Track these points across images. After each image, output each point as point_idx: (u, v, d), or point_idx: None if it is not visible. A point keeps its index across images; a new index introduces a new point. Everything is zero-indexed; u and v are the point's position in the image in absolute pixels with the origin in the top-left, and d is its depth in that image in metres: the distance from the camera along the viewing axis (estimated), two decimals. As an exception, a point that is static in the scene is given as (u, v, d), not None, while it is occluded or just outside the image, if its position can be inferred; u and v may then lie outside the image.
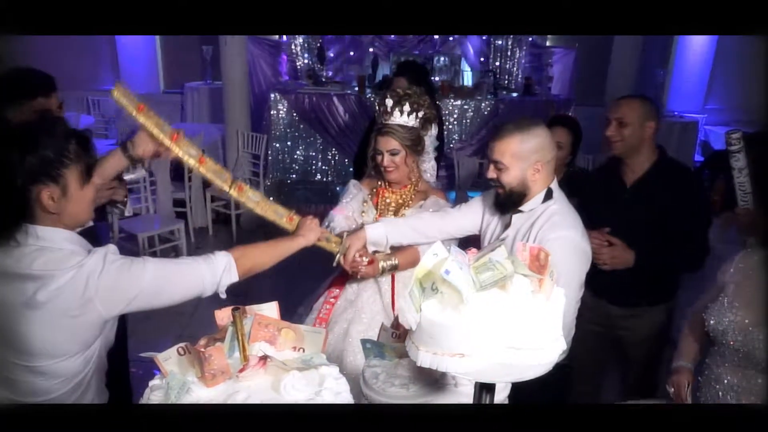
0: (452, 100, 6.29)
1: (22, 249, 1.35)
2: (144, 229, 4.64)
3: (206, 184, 5.68)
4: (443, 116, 5.54)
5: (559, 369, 1.08)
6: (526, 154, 1.81)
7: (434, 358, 1.05)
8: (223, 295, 1.57)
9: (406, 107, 2.11)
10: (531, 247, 1.12)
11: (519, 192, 1.86)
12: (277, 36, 7.10)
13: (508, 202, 1.90)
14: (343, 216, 2.22)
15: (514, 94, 6.72)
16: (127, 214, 2.35)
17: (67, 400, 1.43)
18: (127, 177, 2.41)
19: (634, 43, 6.01)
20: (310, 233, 1.90)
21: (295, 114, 6.02)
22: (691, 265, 2.31)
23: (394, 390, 1.37)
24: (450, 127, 6.20)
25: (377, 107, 2.20)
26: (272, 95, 5.96)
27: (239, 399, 1.14)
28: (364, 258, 2.04)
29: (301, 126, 6.05)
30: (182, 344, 1.17)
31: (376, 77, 6.61)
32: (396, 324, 1.64)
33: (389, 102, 2.12)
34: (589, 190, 2.56)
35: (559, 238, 1.78)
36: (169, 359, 1.17)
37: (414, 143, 2.15)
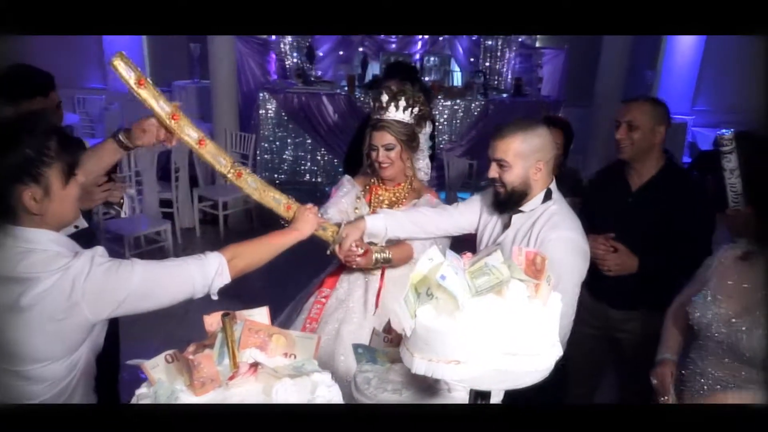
0: (442, 101, 6.29)
1: (6, 251, 1.31)
2: (130, 229, 4.58)
3: (194, 183, 5.64)
4: (434, 116, 5.53)
5: (555, 370, 1.07)
6: (528, 153, 1.83)
7: (429, 365, 1.03)
8: (215, 297, 1.54)
9: (402, 103, 2.11)
10: (527, 252, 1.10)
11: (520, 191, 1.88)
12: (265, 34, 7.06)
13: (508, 202, 1.91)
14: (337, 210, 2.21)
15: (504, 95, 6.73)
16: (123, 215, 2.31)
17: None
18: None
19: (623, 45, 6.04)
20: (306, 225, 1.84)
21: (284, 113, 5.98)
22: (694, 270, 2.29)
23: (386, 395, 1.34)
24: (440, 127, 6.20)
25: (372, 103, 2.20)
26: (261, 94, 5.92)
27: (229, 407, 1.11)
28: (359, 248, 2.02)
29: (290, 126, 6.02)
30: (170, 351, 1.14)
31: (365, 77, 6.59)
32: (388, 328, 1.62)
33: (384, 97, 2.11)
34: (593, 192, 2.55)
35: (561, 239, 1.81)
36: (157, 367, 1.14)
37: (409, 138, 2.15)
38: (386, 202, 2.24)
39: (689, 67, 7.31)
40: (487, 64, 7.07)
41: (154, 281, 1.42)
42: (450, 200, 4.90)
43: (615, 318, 2.42)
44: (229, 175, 1.83)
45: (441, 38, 7.22)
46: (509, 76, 7.07)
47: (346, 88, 6.22)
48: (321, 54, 6.89)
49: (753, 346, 1.65)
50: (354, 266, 2.09)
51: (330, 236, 2.00)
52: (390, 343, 1.54)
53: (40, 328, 1.30)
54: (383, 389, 1.36)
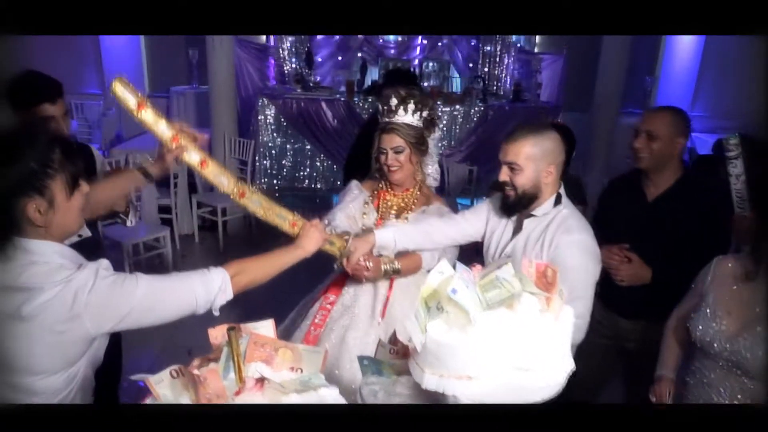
0: (441, 107, 6.29)
1: (9, 263, 1.29)
2: (129, 236, 4.54)
3: (192, 189, 5.62)
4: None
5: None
6: (540, 156, 1.84)
7: (440, 380, 1.01)
8: (217, 313, 1.52)
9: (411, 106, 2.11)
10: (537, 264, 1.09)
11: (530, 195, 1.89)
12: (264, 39, 7.05)
13: (517, 205, 1.92)
14: (344, 215, 2.19)
15: (504, 101, 6.72)
16: (129, 224, 2.29)
17: None
18: None
19: (621, 50, 6.04)
20: (311, 243, 1.81)
21: (282, 119, 5.96)
22: None
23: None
24: (439, 133, 6.18)
25: (381, 107, 2.19)
26: (260, 100, 5.90)
27: (235, 423, 1.09)
28: (368, 262, 2.01)
29: (289, 131, 6.00)
30: (175, 367, 1.12)
31: (364, 82, 6.58)
32: (394, 339, 1.60)
33: (394, 101, 2.11)
34: (608, 200, 2.53)
35: (575, 242, 1.82)
36: (162, 382, 1.12)
37: (418, 142, 2.14)
38: (395, 207, 2.22)
39: (688, 72, 7.33)
40: (486, 69, 7.07)
41: (158, 296, 1.40)
42: (449, 206, 4.87)
43: (625, 328, 2.39)
44: (233, 195, 1.81)
45: (440, 44, 7.23)
46: (508, 82, 7.08)
47: (345, 94, 6.21)
48: (320, 59, 6.88)
49: (757, 363, 1.64)
50: (363, 279, 2.08)
51: (338, 250, 1.98)
52: (396, 354, 1.52)
53: (39, 340, 1.28)
54: (390, 402, 1.35)
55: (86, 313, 1.29)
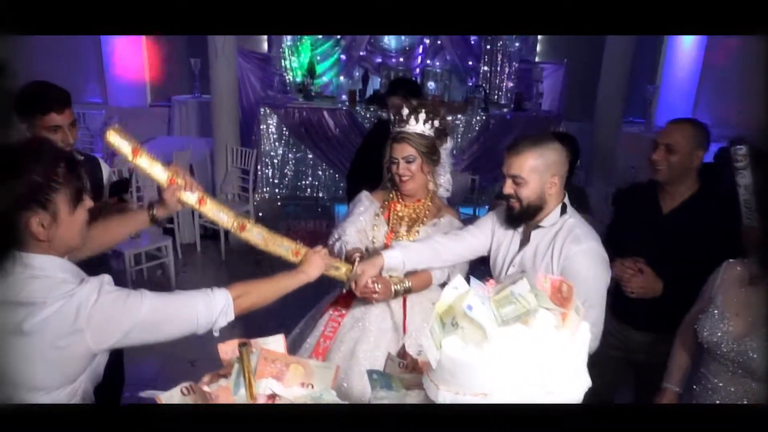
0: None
1: (10, 277, 1.27)
2: (130, 246, 4.52)
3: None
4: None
5: None
6: (543, 168, 1.84)
7: (456, 398, 1.00)
8: (216, 334, 1.51)
9: (422, 115, 2.10)
10: (552, 279, 1.07)
11: (536, 206, 1.89)
12: (266, 49, 7.06)
13: (523, 217, 1.92)
14: (355, 229, 2.17)
15: (505, 110, 6.73)
16: (137, 237, 2.30)
17: None
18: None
19: (623, 59, 6.06)
20: (314, 269, 1.83)
21: (284, 128, 5.96)
22: None
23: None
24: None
25: (392, 116, 2.19)
26: (261, 109, 5.91)
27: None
28: (377, 285, 1.99)
29: (291, 141, 6.00)
30: (186, 384, 1.10)
31: (366, 92, 6.59)
32: (403, 353, 1.58)
33: (405, 110, 2.11)
34: (621, 210, 2.52)
35: (585, 251, 1.83)
36: (172, 399, 1.10)
37: (429, 151, 2.13)
38: (405, 219, 2.21)
39: (688, 80, 7.34)
40: (488, 78, 7.08)
41: (161, 314, 1.39)
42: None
43: (636, 340, 2.37)
44: (233, 229, 1.82)
45: (441, 52, 7.24)
46: (510, 91, 7.09)
47: (347, 103, 6.22)
48: (322, 69, 6.89)
49: (763, 364, 1.64)
50: (373, 302, 2.07)
51: (344, 275, 1.98)
52: (405, 368, 1.51)
53: (41, 355, 1.26)
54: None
55: (88, 328, 1.27)
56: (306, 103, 6.10)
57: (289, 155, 6.02)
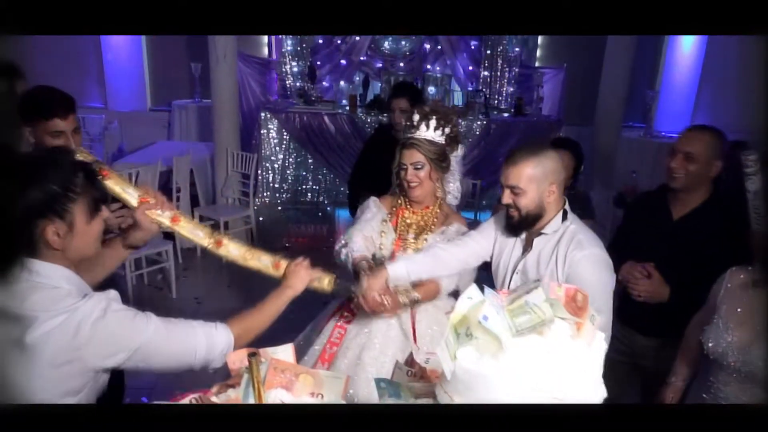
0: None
1: (17, 284, 1.25)
2: (131, 250, 4.51)
3: (194, 202, 5.59)
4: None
5: None
6: (541, 177, 1.84)
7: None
8: (212, 371, 1.48)
9: (433, 122, 2.09)
10: (567, 288, 1.06)
11: (535, 215, 1.89)
12: (266, 54, 7.06)
13: (522, 225, 1.92)
14: (362, 236, 2.15)
15: (506, 115, 6.73)
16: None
17: None
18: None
19: (623, 63, 6.06)
20: (298, 282, 1.78)
21: (285, 133, 5.95)
22: None
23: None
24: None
25: (403, 122, 2.18)
26: (262, 114, 5.90)
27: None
28: (385, 298, 1.97)
29: (292, 145, 5.98)
30: (195, 395, 1.09)
31: (367, 96, 6.58)
32: (411, 361, 1.57)
33: (416, 116, 2.10)
34: (632, 215, 2.51)
35: (588, 256, 1.82)
36: (181, 410, 1.09)
37: (439, 158, 2.12)
38: (413, 226, 2.19)
39: (688, 85, 7.35)
40: (488, 83, 7.09)
41: (165, 341, 1.37)
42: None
43: (642, 345, 2.36)
44: (210, 246, 1.76)
45: (441, 57, 7.24)
46: (509, 96, 7.09)
47: (347, 108, 6.21)
48: (322, 73, 6.89)
49: None
50: (384, 315, 2.05)
51: (327, 287, 1.92)
52: (413, 377, 1.50)
53: (40, 369, 1.24)
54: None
55: (88, 345, 1.25)
56: (306, 108, 6.09)
57: (290, 160, 6.01)
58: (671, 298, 2.16)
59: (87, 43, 6.78)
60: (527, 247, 1.98)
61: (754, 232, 2.09)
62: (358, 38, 6.79)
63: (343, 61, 6.97)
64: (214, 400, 1.06)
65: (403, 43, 7.15)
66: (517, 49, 7.09)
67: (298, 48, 6.69)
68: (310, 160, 6.04)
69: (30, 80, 2.30)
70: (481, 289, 1.05)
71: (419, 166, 2.09)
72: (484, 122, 6.29)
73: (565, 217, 1.92)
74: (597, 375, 1.01)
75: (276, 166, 5.96)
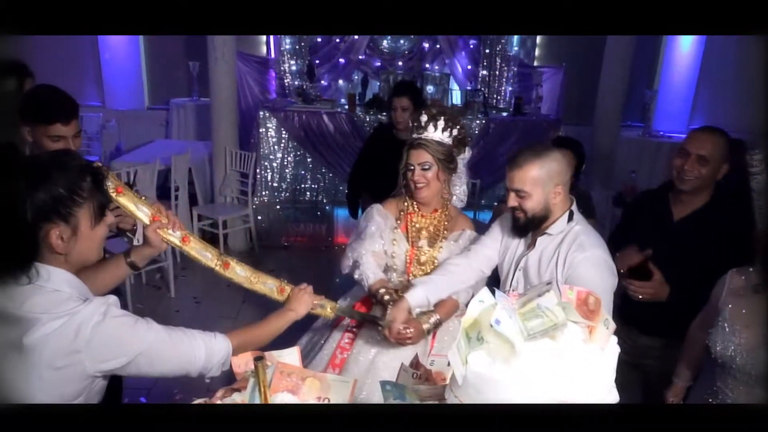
0: (442, 119, 6.24)
1: (17, 288, 1.24)
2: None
3: (193, 201, 5.57)
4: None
5: None
6: (546, 179, 1.83)
7: (482, 415, 0.97)
8: (208, 380, 1.48)
9: (441, 123, 2.08)
10: (578, 291, 1.05)
11: (540, 216, 1.89)
12: (264, 52, 7.02)
13: (529, 227, 1.92)
14: (371, 254, 2.12)
15: (505, 114, 6.71)
16: (136, 242, 2.24)
17: None
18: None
19: (622, 63, 6.06)
20: (301, 306, 1.81)
21: (284, 132, 5.91)
22: None
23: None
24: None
25: (410, 123, 2.16)
26: (261, 113, 5.86)
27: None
28: (408, 330, 1.98)
29: (291, 144, 5.95)
30: (200, 400, 1.08)
31: (366, 95, 6.56)
32: (416, 364, 1.56)
33: (424, 117, 2.09)
34: (632, 216, 2.50)
35: (589, 257, 1.82)
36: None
37: (447, 159, 2.11)
38: (423, 231, 2.17)
39: (686, 85, 7.37)
40: (486, 82, 7.07)
41: (165, 347, 1.36)
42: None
43: (644, 344, 2.35)
44: (217, 268, 1.77)
45: (440, 56, 7.22)
46: (508, 95, 7.07)
47: (346, 107, 6.19)
48: (321, 72, 6.86)
49: None
50: (408, 345, 2.04)
51: (329, 313, 1.96)
52: (419, 379, 1.49)
53: (38, 373, 1.23)
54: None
55: (86, 349, 1.24)
56: (305, 107, 6.06)
57: (289, 159, 5.98)
58: (672, 298, 2.15)
59: (84, 41, 6.74)
60: (531, 245, 1.98)
61: (759, 232, 2.08)
62: (357, 37, 6.76)
63: (341, 60, 6.94)
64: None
65: (402, 42, 7.13)
66: (515, 48, 7.07)
67: (297, 47, 6.66)
68: (309, 159, 6.01)
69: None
70: (492, 292, 1.03)
71: (427, 167, 2.08)
72: (483, 121, 6.27)
73: (571, 218, 1.91)
74: (610, 380, 1.00)
75: (275, 164, 5.93)
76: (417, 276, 2.15)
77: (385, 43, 7.10)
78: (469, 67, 7.17)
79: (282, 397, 1.13)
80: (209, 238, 5.44)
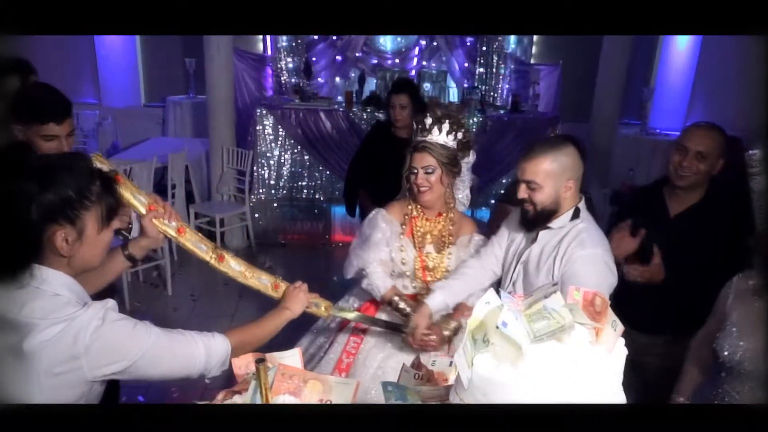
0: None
1: (18, 291, 1.22)
2: (126, 248, 4.45)
3: (190, 199, 5.54)
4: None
5: None
6: (559, 173, 1.82)
7: (487, 418, 0.96)
8: (208, 381, 1.46)
9: (445, 126, 2.06)
10: (585, 292, 1.04)
11: (550, 210, 1.87)
12: (261, 49, 6.99)
13: (537, 220, 1.91)
14: (379, 262, 2.10)
15: (502, 111, 6.70)
16: (123, 236, 2.21)
17: None
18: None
19: (619, 60, 6.06)
20: (296, 304, 1.79)
21: (281, 129, 5.89)
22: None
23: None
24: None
25: (414, 125, 2.14)
26: (258, 110, 5.83)
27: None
28: (432, 337, 1.98)
29: (288, 142, 5.93)
30: (201, 403, 1.06)
31: (363, 93, 6.54)
32: (418, 364, 1.55)
33: (428, 120, 2.07)
34: (627, 212, 2.50)
35: (587, 256, 1.80)
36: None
37: (450, 163, 2.09)
38: (429, 236, 2.15)
39: (683, 83, 7.36)
40: (483, 80, 7.05)
41: (165, 351, 1.34)
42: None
43: (641, 342, 2.34)
44: (211, 261, 1.77)
45: (437, 54, 7.20)
46: (505, 93, 7.06)
47: (343, 105, 6.16)
48: (318, 69, 6.83)
49: None
50: (431, 351, 2.02)
51: (324, 312, 1.94)
52: (420, 380, 1.48)
53: (36, 379, 1.21)
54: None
55: (85, 355, 1.22)
56: (302, 105, 6.04)
57: (286, 156, 5.95)
58: (670, 295, 2.15)
59: (81, 39, 6.69)
60: (533, 239, 1.98)
61: (759, 233, 2.07)
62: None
63: (338, 57, 6.92)
64: (221, 407, 1.03)
65: (399, 39, 7.11)
66: (512, 46, 7.06)
67: (294, 44, 6.63)
68: (306, 157, 5.99)
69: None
70: (497, 294, 1.02)
71: (430, 170, 2.06)
72: (480, 119, 6.25)
73: (576, 216, 1.89)
74: (617, 383, 0.99)
75: (272, 162, 5.90)
76: (429, 282, 2.14)
77: (381, 40, 7.08)
78: (466, 64, 7.16)
79: (283, 399, 1.12)
80: (206, 235, 5.37)
